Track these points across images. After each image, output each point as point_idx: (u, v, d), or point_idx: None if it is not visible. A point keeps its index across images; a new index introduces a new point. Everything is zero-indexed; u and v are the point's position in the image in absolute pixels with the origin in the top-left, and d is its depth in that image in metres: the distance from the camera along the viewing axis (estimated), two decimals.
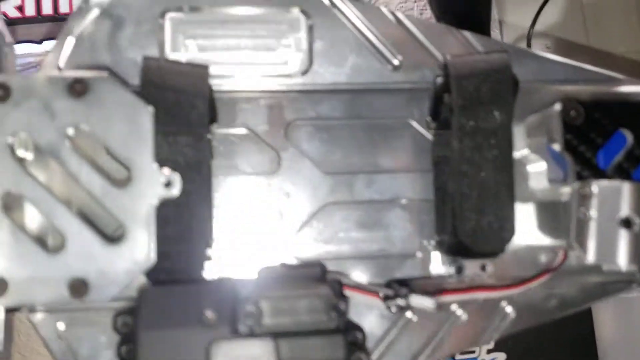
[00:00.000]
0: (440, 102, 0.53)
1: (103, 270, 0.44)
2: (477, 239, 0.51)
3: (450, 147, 0.51)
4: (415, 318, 0.54)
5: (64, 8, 1.24)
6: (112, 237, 0.45)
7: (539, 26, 1.17)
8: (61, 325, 0.50)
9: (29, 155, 0.45)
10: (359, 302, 0.52)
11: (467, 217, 0.51)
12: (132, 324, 0.47)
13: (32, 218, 0.45)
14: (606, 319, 1.22)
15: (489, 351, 1.19)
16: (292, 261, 0.54)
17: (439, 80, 0.54)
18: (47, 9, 1.24)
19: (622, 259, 0.47)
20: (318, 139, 0.55)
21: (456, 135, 0.51)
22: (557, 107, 0.51)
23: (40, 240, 0.44)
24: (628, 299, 1.18)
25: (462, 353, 1.19)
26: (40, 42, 1.21)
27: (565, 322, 1.20)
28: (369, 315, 0.54)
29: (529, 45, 1.14)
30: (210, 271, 0.51)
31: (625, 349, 1.19)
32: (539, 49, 1.09)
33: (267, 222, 0.54)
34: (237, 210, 0.54)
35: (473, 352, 1.19)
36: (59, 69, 0.52)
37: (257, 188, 0.54)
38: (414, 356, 0.54)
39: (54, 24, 1.23)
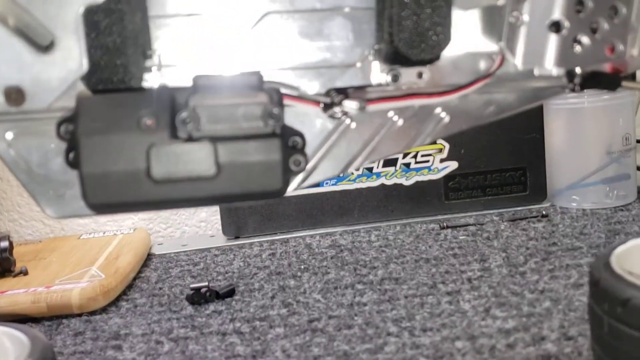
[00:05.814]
0: None
1: (37, 78, 0.45)
2: (412, 46, 0.52)
3: None
4: (353, 125, 0.57)
5: None
6: (47, 47, 0.45)
7: None
8: (9, 135, 0.52)
9: None
10: (303, 111, 0.54)
11: (404, 24, 0.51)
12: (74, 131, 0.49)
13: None
14: (556, 126, 1.27)
15: (442, 160, 1.26)
16: (232, 72, 0.54)
17: None
18: None
19: (549, 62, 0.49)
20: None
21: None
22: None
23: None
24: (578, 109, 1.23)
25: (417, 162, 1.25)
26: None
27: (517, 130, 1.26)
28: (312, 124, 0.56)
29: None
30: (151, 83, 0.52)
31: (571, 154, 1.26)
32: None
33: (207, 34, 0.54)
34: (176, 21, 0.53)
35: (427, 161, 1.25)
36: None
37: None
38: (352, 158, 0.58)
39: None
